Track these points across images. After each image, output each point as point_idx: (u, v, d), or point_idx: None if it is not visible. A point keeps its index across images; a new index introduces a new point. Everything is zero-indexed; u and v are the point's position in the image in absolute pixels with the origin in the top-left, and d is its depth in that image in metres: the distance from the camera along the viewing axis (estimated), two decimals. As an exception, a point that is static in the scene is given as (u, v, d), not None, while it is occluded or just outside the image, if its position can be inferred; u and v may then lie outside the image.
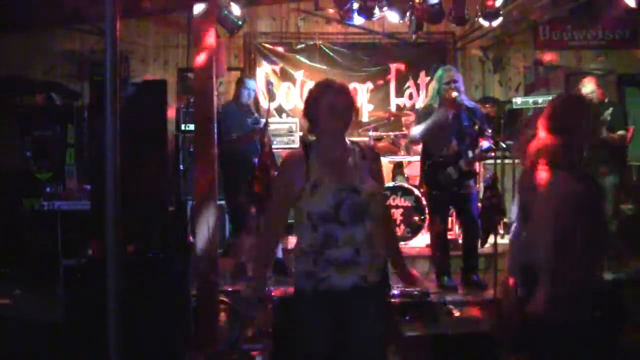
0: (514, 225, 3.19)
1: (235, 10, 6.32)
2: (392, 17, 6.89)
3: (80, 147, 6.84)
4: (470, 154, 5.34)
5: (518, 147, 5.33)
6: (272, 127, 7.15)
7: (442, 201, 5.52)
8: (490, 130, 5.43)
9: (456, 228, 6.69)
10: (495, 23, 7.13)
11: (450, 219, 6.37)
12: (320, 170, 2.84)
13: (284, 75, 8.58)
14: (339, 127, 2.89)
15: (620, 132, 6.15)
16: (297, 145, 7.43)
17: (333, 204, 2.77)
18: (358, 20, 7.13)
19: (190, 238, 5.23)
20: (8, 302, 4.62)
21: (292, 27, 8.59)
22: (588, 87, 6.23)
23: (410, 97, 8.72)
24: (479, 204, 5.60)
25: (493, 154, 5.40)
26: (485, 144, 5.31)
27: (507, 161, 6.21)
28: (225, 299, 4.94)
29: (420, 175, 5.87)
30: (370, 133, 7.43)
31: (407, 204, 6.79)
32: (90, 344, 3.60)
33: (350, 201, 2.78)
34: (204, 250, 4.52)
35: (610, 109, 6.24)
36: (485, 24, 7.11)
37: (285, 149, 7.22)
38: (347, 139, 2.95)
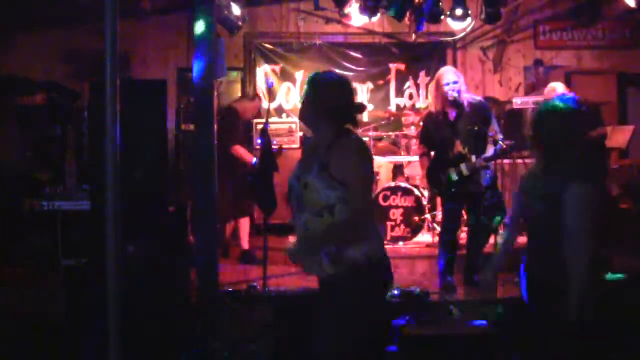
0: None
1: (235, 10, 6.32)
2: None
3: (80, 147, 6.84)
4: (474, 158, 5.24)
5: None
6: (272, 127, 7.17)
7: (455, 199, 5.44)
8: (497, 129, 5.31)
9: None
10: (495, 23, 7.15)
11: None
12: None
13: (284, 75, 8.58)
14: (300, 119, 2.84)
15: (600, 131, 5.96)
16: (297, 145, 7.43)
17: (289, 190, 2.75)
18: (358, 20, 7.14)
19: (190, 238, 5.24)
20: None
21: (292, 27, 8.58)
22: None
23: (410, 97, 8.72)
24: None
25: (493, 163, 5.26)
26: (490, 150, 5.21)
27: (507, 161, 6.19)
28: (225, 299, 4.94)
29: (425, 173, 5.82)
30: (370, 133, 7.43)
31: (407, 204, 6.79)
32: (90, 343, 3.62)
33: (296, 189, 2.69)
34: (204, 250, 4.52)
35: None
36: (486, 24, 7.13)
37: (285, 149, 7.21)
38: (321, 133, 2.72)
